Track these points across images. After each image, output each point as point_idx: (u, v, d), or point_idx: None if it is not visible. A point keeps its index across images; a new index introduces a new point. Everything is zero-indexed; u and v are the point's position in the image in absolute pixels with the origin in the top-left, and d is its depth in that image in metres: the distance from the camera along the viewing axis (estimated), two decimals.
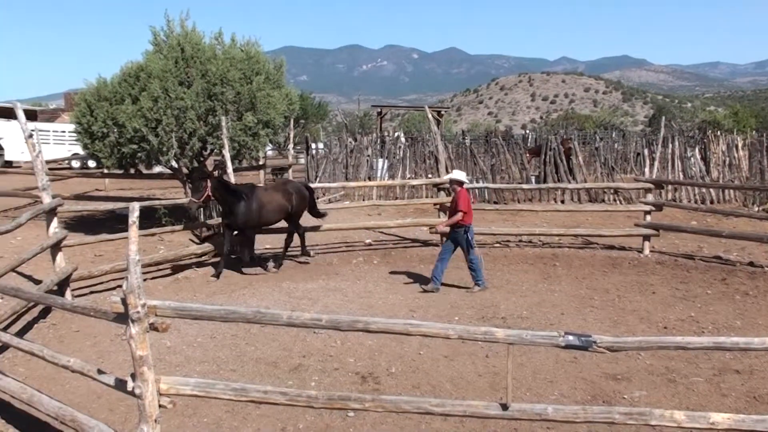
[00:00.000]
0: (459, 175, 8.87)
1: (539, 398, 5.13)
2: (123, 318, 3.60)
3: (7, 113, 28.45)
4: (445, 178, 9.70)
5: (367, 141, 19.77)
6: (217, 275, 9.24)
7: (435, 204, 12.00)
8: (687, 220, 13.66)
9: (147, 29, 12.34)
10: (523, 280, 9.27)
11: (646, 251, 10.76)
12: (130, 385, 3.68)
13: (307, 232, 10.69)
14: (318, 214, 10.72)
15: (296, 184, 10.67)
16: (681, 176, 17.58)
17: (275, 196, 9.79)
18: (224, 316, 3.82)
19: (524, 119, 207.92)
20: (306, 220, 10.66)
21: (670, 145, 17.77)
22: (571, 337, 3.53)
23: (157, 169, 15.03)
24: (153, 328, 3.61)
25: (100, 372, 4.04)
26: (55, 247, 7.68)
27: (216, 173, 12.02)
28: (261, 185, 10.15)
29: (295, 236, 10.31)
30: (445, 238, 9.44)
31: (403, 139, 20.41)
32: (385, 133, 25.26)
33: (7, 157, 30.03)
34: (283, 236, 10.39)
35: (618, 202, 16.99)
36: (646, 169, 12.47)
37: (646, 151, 16.66)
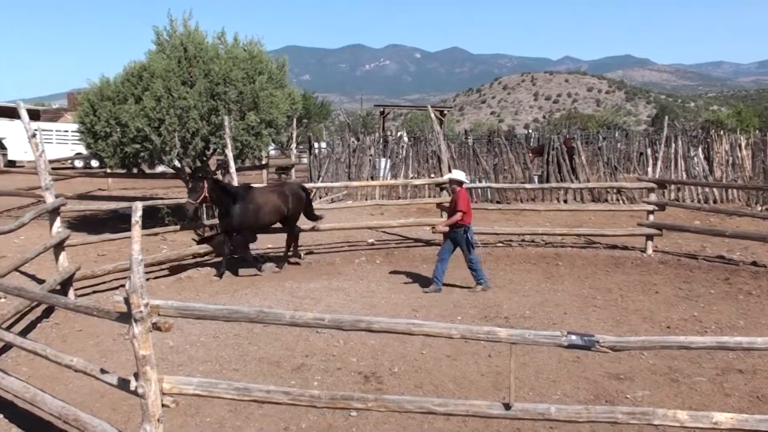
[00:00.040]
0: (458, 174, 8.86)
1: (542, 398, 5.12)
2: (126, 317, 3.61)
3: (11, 113, 28.53)
4: (445, 177, 9.69)
5: (370, 140, 19.76)
6: (220, 275, 9.25)
7: (438, 204, 11.99)
8: (690, 220, 13.63)
9: (150, 29, 12.36)
10: (526, 279, 9.26)
11: (649, 251, 10.74)
12: (133, 384, 3.68)
13: (311, 232, 10.67)
14: (314, 217, 10.57)
15: (293, 185, 10.57)
16: (684, 176, 17.54)
17: (271, 198, 9.71)
18: (227, 316, 3.82)
19: (527, 119, 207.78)
20: (300, 221, 10.56)
21: (673, 145, 17.73)
22: (573, 337, 3.52)
23: (160, 168, 15.05)
24: (156, 327, 3.62)
25: (103, 371, 4.04)
26: (58, 247, 7.69)
27: (219, 173, 12.05)
28: (257, 186, 10.08)
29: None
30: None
31: (405, 139, 20.39)
32: (388, 133, 25.28)
33: (10, 157, 30.12)
34: (284, 236, 10.37)
35: (621, 201, 16.95)
36: (649, 169, 12.47)
37: (649, 151, 16.65)
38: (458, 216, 8.45)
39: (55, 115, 41.79)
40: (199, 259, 10.16)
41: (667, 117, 16.50)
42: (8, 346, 5.87)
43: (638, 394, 5.22)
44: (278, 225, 10.15)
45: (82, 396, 5.14)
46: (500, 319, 7.28)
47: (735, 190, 16.88)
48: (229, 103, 11.66)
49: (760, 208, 15.48)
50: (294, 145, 19.67)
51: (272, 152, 29.66)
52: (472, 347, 6.17)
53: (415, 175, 18.39)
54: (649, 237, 10.83)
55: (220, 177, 11.20)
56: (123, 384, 3.84)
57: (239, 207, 9.21)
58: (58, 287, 7.42)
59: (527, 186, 14.86)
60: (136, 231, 3.56)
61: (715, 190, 16.85)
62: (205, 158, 12.61)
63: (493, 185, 15.21)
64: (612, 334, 4.43)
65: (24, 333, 6.60)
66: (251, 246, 9.90)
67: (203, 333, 6.70)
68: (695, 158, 17.89)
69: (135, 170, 13.25)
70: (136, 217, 3.58)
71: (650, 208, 10.98)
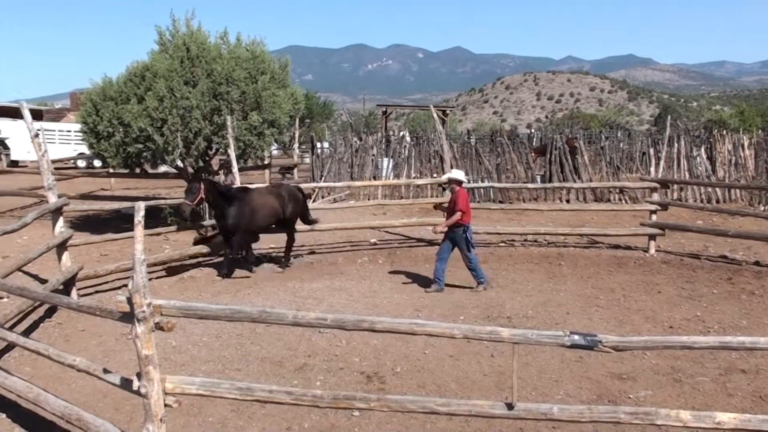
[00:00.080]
0: (458, 174, 8.85)
1: (545, 398, 5.11)
2: (128, 317, 3.61)
3: (13, 113, 28.62)
4: (444, 177, 9.67)
5: (372, 140, 19.76)
6: (222, 275, 9.25)
7: (440, 203, 11.96)
8: (693, 220, 13.60)
9: (152, 29, 12.39)
10: (529, 279, 9.25)
11: (652, 251, 10.72)
12: (135, 384, 3.69)
13: (313, 232, 10.65)
14: (309, 221, 10.50)
15: (290, 187, 10.47)
16: (687, 176, 17.52)
17: (268, 200, 9.64)
18: (229, 316, 3.82)
19: (529, 118, 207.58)
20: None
21: (676, 145, 17.72)
22: (576, 337, 3.52)
23: (163, 168, 15.07)
24: (158, 327, 3.62)
25: (105, 371, 4.05)
26: (61, 247, 7.70)
27: (221, 173, 12.06)
28: (254, 188, 10.02)
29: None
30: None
31: (408, 139, 20.39)
32: (390, 133, 25.24)
33: (13, 157, 30.18)
34: (284, 236, 10.35)
35: (623, 201, 16.94)
36: (652, 169, 12.44)
37: (651, 151, 16.63)
38: (458, 216, 8.44)
39: (57, 115, 41.84)
40: (201, 259, 10.16)
41: (669, 117, 16.44)
42: (11, 346, 5.88)
43: (641, 394, 5.21)
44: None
45: (85, 396, 5.15)
46: (503, 319, 7.28)
47: (738, 190, 16.86)
48: (231, 103, 11.66)
49: (763, 208, 15.45)
50: (296, 145, 19.68)
51: (275, 152, 29.66)
52: (474, 347, 6.16)
53: (418, 175, 18.38)
54: (652, 237, 10.81)
55: (222, 177, 11.22)
56: (126, 384, 3.84)
57: (235, 209, 9.13)
58: (61, 287, 7.43)
59: (530, 186, 14.87)
60: (139, 231, 3.56)
61: (717, 189, 16.83)
62: (207, 158, 12.61)
63: (496, 185, 15.17)
64: (615, 334, 4.42)
65: (27, 333, 6.61)
66: (254, 246, 9.90)
67: (206, 333, 6.70)
68: (698, 158, 17.86)
69: (138, 170, 13.26)
70: (139, 217, 3.58)
71: (653, 207, 10.97)
